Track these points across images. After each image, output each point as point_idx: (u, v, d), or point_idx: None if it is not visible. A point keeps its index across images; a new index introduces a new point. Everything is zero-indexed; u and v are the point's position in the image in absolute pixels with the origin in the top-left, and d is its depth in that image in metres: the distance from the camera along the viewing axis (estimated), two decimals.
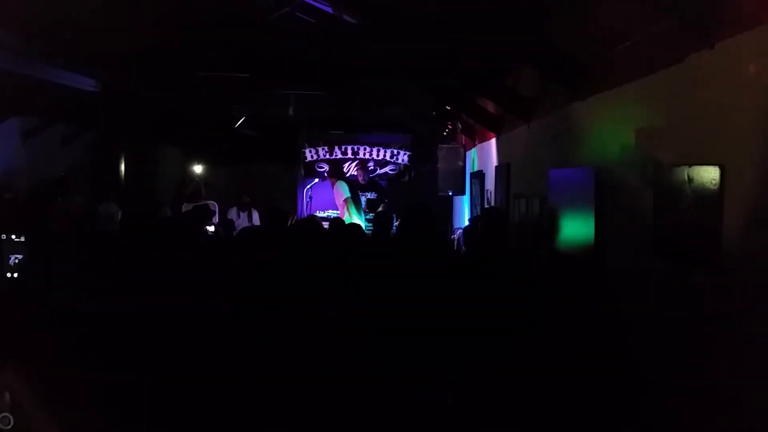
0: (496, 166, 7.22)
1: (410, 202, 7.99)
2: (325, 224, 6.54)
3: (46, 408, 2.57)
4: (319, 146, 12.20)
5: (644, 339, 3.26)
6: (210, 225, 7.32)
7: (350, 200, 9.21)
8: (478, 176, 8.22)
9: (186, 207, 8.35)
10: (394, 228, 5.35)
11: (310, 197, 11.29)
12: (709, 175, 2.66)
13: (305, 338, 3.04)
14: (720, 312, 2.61)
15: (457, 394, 3.35)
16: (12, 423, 2.51)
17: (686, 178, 2.83)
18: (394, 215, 5.86)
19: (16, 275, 3.99)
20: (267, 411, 2.94)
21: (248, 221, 9.80)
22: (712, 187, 2.64)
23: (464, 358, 3.26)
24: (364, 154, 12.09)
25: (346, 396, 2.99)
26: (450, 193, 9.10)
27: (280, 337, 3.06)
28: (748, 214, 2.44)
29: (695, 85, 2.85)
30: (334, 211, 9.85)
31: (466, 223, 8.60)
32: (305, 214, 11.05)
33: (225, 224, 8.14)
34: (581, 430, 3.22)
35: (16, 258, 4.00)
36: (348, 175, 11.45)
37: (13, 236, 3.99)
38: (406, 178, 12.01)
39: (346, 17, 6.02)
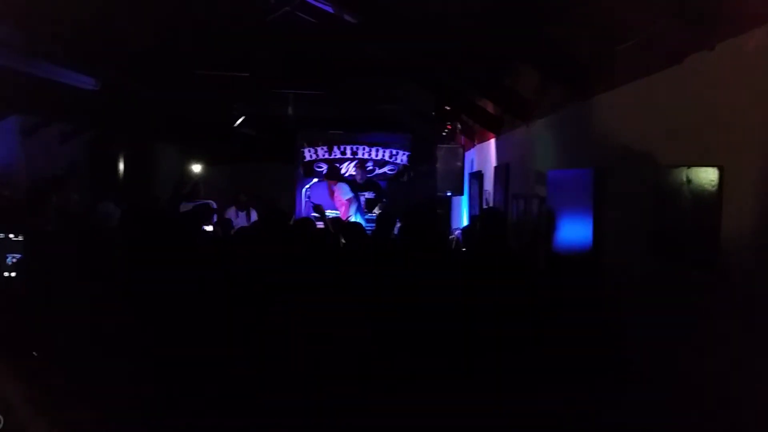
0: (494, 167, 7.22)
1: (409, 202, 8.00)
2: (320, 224, 6.56)
3: (41, 408, 2.57)
4: (318, 146, 12.20)
5: (642, 340, 3.27)
6: (208, 225, 7.30)
7: (353, 200, 9.27)
8: (477, 177, 8.22)
9: (185, 206, 8.33)
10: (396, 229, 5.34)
11: (309, 197, 11.29)
12: (707, 176, 2.66)
13: (304, 337, 3.04)
14: (719, 313, 2.61)
15: (454, 392, 3.35)
16: (2, 423, 2.50)
17: (685, 179, 2.83)
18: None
19: (13, 274, 3.98)
20: (263, 409, 2.94)
21: (246, 221, 9.78)
22: (710, 188, 2.64)
23: (462, 357, 3.26)
24: (363, 154, 12.09)
25: (344, 394, 2.99)
26: (449, 194, 9.11)
27: (279, 336, 3.06)
28: (746, 215, 2.44)
29: (695, 86, 2.86)
30: (333, 211, 9.85)
31: (465, 223, 8.61)
32: (304, 214, 11.06)
33: (223, 224, 8.12)
34: (579, 430, 3.22)
35: (14, 257, 3.98)
36: (347, 175, 11.48)
37: (11, 235, 3.98)
38: (405, 178, 12.01)
39: (346, 17, 6.02)
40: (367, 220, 9.13)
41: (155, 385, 2.80)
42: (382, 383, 3.07)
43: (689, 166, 2.81)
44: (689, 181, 2.80)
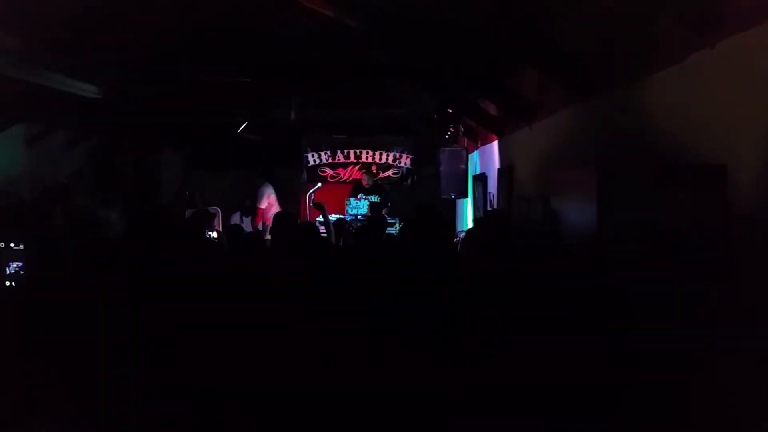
0: (498, 169, 7.21)
1: (413, 205, 7.98)
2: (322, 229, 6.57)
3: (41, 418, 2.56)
4: (322, 150, 12.22)
5: (647, 344, 3.24)
6: (212, 231, 7.29)
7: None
8: (481, 179, 8.21)
9: (188, 213, 8.35)
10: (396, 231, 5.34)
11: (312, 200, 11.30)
12: (713, 177, 2.64)
13: (309, 338, 3.04)
14: (727, 318, 2.58)
15: (457, 393, 3.34)
16: None
17: (690, 180, 2.81)
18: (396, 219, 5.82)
19: (14, 284, 3.96)
20: (268, 410, 2.94)
21: (251, 226, 9.79)
22: (716, 189, 2.61)
23: (466, 358, 3.25)
24: (367, 158, 12.10)
25: (345, 392, 2.99)
26: (453, 196, 9.10)
27: (284, 339, 3.06)
28: (753, 216, 2.42)
29: (697, 85, 2.84)
30: (335, 215, 9.87)
31: (469, 225, 8.59)
32: (308, 219, 11.06)
33: (228, 230, 8.12)
34: (578, 429, 3.20)
35: (14, 266, 3.97)
36: (351, 179, 11.53)
37: (12, 244, 3.97)
38: (409, 181, 12.01)
39: (347, 21, 6.03)
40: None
41: (162, 393, 2.80)
42: (380, 381, 3.06)
43: (694, 167, 2.79)
44: (694, 181, 2.78)
